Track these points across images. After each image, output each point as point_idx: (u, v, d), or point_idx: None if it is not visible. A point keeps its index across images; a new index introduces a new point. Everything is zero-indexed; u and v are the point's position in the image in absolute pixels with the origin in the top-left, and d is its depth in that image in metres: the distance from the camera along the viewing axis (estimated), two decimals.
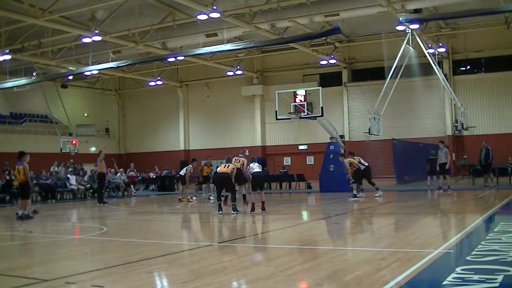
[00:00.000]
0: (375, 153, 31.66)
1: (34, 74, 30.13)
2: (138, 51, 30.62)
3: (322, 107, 21.77)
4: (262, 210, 13.09)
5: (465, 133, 28.89)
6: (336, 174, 20.99)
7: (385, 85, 22.49)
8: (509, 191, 17.94)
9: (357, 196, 17.09)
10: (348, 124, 36.73)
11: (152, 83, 38.99)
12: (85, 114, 43.66)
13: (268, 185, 25.68)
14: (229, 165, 13.36)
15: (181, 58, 29.98)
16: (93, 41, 25.87)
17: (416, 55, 24.29)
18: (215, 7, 22.27)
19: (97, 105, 44.84)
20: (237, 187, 14.19)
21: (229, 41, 26.05)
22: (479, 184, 21.40)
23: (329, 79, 36.73)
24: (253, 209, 13.28)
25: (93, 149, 37.65)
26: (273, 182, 27.10)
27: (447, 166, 19.46)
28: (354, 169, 17.26)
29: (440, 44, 31.34)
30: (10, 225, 12.71)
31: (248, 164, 13.91)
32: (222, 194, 14.08)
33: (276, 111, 22.50)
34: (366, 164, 18.45)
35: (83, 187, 23.66)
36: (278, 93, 22.78)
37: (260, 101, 39.45)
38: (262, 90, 39.02)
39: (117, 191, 25.38)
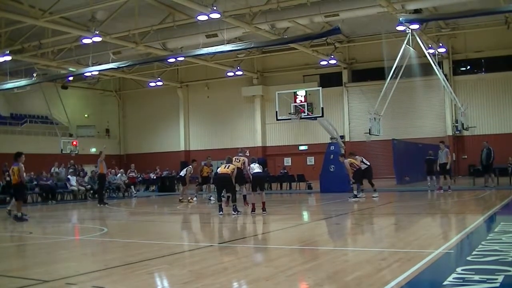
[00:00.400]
0: (375, 153, 31.65)
1: (35, 75, 30.12)
2: (138, 51, 30.63)
3: (322, 108, 21.77)
4: (263, 211, 13.09)
5: (465, 133, 28.88)
6: (336, 174, 20.99)
7: (385, 85, 22.49)
8: (509, 191, 17.94)
9: (358, 196, 17.09)
10: (349, 124, 36.73)
11: (152, 84, 39.00)
12: (86, 115, 43.67)
13: (269, 185, 25.68)
14: (229, 166, 13.34)
15: (181, 58, 30.01)
16: (93, 42, 25.85)
17: (416, 56, 24.30)
18: (215, 8, 22.27)
19: (97, 106, 44.85)
20: (237, 188, 14.17)
21: (229, 41, 26.07)
22: (480, 184, 21.39)
23: (329, 80, 36.70)
24: (253, 210, 13.28)
25: (93, 150, 37.68)
26: (274, 183, 27.09)
27: (448, 166, 19.45)
28: (355, 169, 17.26)
29: (440, 44, 31.33)
30: (10, 226, 12.70)
31: (248, 164, 13.90)
32: (222, 194, 14.07)
33: (276, 112, 22.50)
34: (368, 163, 18.45)
35: (83, 188, 23.66)
36: (278, 93, 22.78)
37: (260, 101, 39.44)
38: (262, 91, 39.02)
39: (118, 192, 25.40)
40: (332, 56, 33.40)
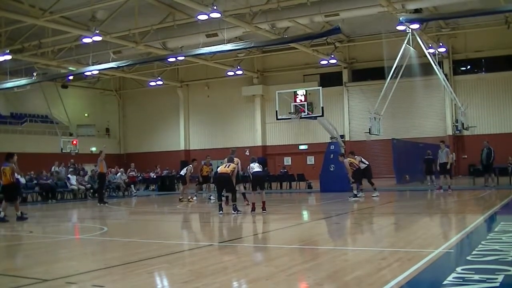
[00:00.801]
0: (375, 153, 31.66)
1: (35, 74, 30.15)
2: (139, 51, 30.63)
3: (322, 107, 21.75)
4: (263, 210, 13.09)
5: (465, 133, 28.88)
6: (336, 174, 20.99)
7: (386, 85, 22.50)
8: (509, 191, 17.92)
9: (357, 196, 17.10)
10: (349, 124, 36.73)
11: (152, 83, 38.98)
12: (86, 114, 43.68)
13: (269, 185, 25.69)
14: (229, 165, 13.36)
15: (182, 58, 29.99)
16: (94, 41, 25.86)
17: (416, 55, 24.30)
18: (215, 7, 22.26)
19: (97, 105, 44.86)
20: (236, 187, 14.18)
21: (229, 41, 26.06)
22: (480, 184, 21.39)
23: (330, 79, 36.69)
24: (253, 209, 13.28)
25: (93, 149, 37.68)
26: (274, 182, 27.09)
27: (448, 166, 19.45)
28: (354, 169, 17.27)
29: (441, 44, 31.34)
30: (10, 226, 12.69)
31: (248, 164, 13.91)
32: (222, 194, 14.07)
33: (276, 111, 22.49)
34: (367, 163, 18.47)
35: (83, 187, 23.66)
36: (278, 93, 22.76)
37: (261, 101, 39.45)
38: (263, 90, 39.02)
39: (118, 191, 25.40)
40: (332, 56, 33.41)
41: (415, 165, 25.08)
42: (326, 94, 25.73)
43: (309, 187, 25.17)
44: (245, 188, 17.25)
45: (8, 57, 27.03)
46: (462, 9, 23.98)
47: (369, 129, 21.86)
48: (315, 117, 22.25)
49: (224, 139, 39.36)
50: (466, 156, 32.54)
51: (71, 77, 35.55)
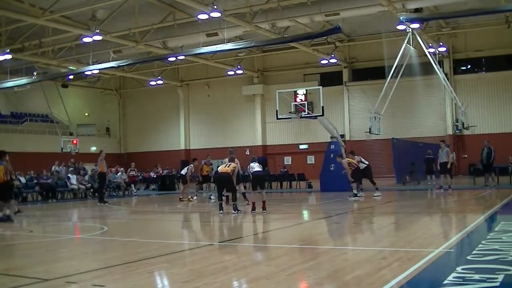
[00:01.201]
0: (375, 152, 31.64)
1: (35, 73, 30.15)
2: (139, 50, 30.62)
3: (322, 107, 21.76)
4: (263, 210, 13.09)
5: (465, 132, 28.89)
6: (336, 173, 20.97)
7: (386, 84, 22.49)
8: (509, 191, 17.94)
9: (357, 195, 17.10)
10: (349, 123, 36.71)
11: (152, 83, 38.99)
12: (86, 114, 43.66)
13: (269, 184, 25.69)
14: (230, 165, 13.36)
15: (182, 57, 30.00)
16: (94, 40, 25.87)
17: (416, 55, 24.30)
18: (215, 7, 22.26)
19: (97, 104, 44.84)
20: (236, 186, 14.18)
21: (229, 40, 26.07)
22: (480, 184, 21.38)
23: (330, 79, 36.68)
24: (253, 209, 13.28)
25: (93, 148, 37.68)
26: (274, 182, 27.10)
27: (448, 166, 19.44)
28: (353, 168, 17.26)
29: (441, 44, 31.33)
30: (9, 225, 12.69)
31: (248, 164, 13.92)
32: (223, 193, 14.07)
33: (276, 111, 22.49)
34: (367, 163, 18.46)
35: (83, 187, 23.67)
36: (278, 92, 22.77)
37: (261, 100, 39.43)
38: (263, 90, 39.00)
39: (118, 191, 25.41)
40: (333, 55, 33.39)
41: (416, 164, 25.09)
42: (326, 94, 25.73)
43: (309, 186, 25.18)
44: (245, 187, 17.27)
45: (9, 56, 27.04)
46: (462, 8, 23.98)
47: (369, 128, 21.86)
48: (315, 117, 22.25)
49: (224, 138, 39.35)
50: (466, 156, 32.53)
51: (71, 77, 35.56)
